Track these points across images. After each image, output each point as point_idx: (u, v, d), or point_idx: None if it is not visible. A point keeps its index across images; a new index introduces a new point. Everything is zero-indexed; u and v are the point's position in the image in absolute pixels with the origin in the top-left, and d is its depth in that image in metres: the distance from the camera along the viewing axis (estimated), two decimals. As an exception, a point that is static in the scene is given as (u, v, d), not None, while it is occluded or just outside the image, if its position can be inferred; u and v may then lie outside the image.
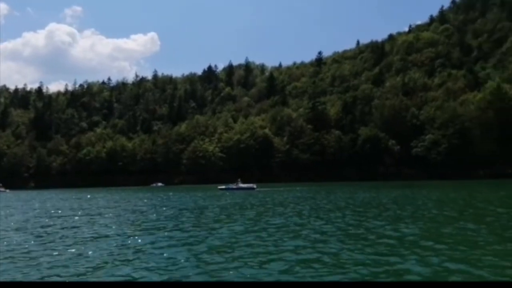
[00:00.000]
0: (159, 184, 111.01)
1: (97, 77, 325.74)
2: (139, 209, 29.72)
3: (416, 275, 8.87)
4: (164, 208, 29.33)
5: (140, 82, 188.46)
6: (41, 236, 16.24)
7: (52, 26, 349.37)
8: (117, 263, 10.84)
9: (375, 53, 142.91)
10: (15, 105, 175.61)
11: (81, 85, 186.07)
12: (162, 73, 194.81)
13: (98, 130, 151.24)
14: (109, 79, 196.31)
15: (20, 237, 16.01)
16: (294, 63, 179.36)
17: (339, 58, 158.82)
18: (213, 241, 13.89)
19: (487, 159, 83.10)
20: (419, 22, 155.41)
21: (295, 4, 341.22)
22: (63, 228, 18.74)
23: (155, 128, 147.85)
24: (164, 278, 9.33)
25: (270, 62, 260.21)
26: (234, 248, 12.45)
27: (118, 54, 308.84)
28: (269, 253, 11.50)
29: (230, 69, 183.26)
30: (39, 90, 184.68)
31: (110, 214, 25.83)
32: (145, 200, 41.10)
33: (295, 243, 12.96)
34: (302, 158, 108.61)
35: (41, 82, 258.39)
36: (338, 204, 28.29)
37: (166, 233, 16.03)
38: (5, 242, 14.65)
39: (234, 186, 63.02)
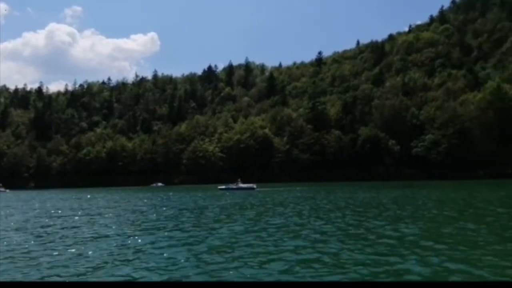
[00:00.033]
0: (159, 184, 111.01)
1: (97, 77, 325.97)
2: (139, 209, 29.72)
3: (416, 275, 8.87)
4: (164, 208, 29.33)
5: (140, 82, 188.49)
6: (41, 236, 16.24)
7: (52, 26, 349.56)
8: (117, 263, 10.84)
9: (375, 53, 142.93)
10: (15, 105, 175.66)
11: (81, 85, 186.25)
12: (162, 73, 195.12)
13: (98, 130, 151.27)
14: (109, 79, 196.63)
15: (20, 237, 16.01)
16: (294, 63, 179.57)
17: (339, 58, 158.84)
18: (213, 241, 13.89)
19: (487, 159, 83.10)
20: (419, 22, 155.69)
21: (295, 4, 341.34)
22: (63, 228, 18.74)
23: (155, 128, 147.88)
24: (164, 278, 9.33)
25: (270, 62, 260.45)
26: (234, 248, 12.45)
27: (118, 54, 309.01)
28: (269, 253, 11.50)
29: (230, 69, 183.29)
30: (39, 90, 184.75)
31: (110, 214, 25.84)
32: (145, 200, 41.11)
33: (295, 243, 12.96)
34: (302, 158, 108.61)
35: (41, 82, 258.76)
36: (338, 204, 28.30)
37: (166, 233, 16.03)
38: (5, 242, 14.65)
39: (234, 186, 63.02)
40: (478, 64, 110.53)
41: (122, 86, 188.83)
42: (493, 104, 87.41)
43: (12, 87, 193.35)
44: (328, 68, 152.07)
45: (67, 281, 9.16)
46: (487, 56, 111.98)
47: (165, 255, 11.66)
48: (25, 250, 12.99)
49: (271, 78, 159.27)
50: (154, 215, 24.64)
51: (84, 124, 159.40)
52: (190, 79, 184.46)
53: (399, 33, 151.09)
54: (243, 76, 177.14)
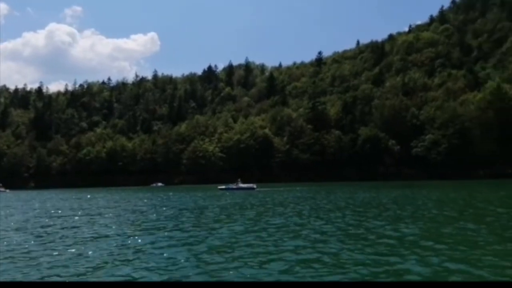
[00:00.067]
0: (159, 184, 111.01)
1: (97, 77, 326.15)
2: (139, 209, 29.72)
3: (416, 275, 8.88)
4: (164, 208, 29.34)
5: (140, 82, 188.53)
6: (41, 236, 16.24)
7: (52, 26, 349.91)
8: (117, 263, 10.84)
9: (375, 53, 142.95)
10: (15, 105, 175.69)
11: (81, 85, 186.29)
12: (162, 73, 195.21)
13: (98, 130, 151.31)
14: (109, 79, 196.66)
15: (20, 237, 16.01)
16: (294, 63, 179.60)
17: (339, 58, 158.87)
18: (213, 241, 13.89)
19: (487, 159, 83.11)
20: (419, 22, 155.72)
21: (295, 4, 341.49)
22: (63, 228, 18.74)
23: (155, 128, 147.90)
24: (164, 278, 9.33)
25: (270, 62, 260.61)
26: (234, 248, 12.46)
27: (118, 54, 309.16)
28: (269, 253, 11.50)
29: (230, 69, 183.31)
30: (39, 90, 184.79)
31: (110, 214, 25.84)
32: (145, 200, 41.11)
33: (295, 243, 12.96)
34: (302, 158, 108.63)
35: (41, 82, 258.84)
36: (338, 204, 28.30)
37: (166, 233, 16.04)
38: (5, 242, 14.65)
39: (234, 186, 63.03)
40: (478, 64, 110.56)
41: (122, 86, 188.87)
42: (493, 104, 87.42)
43: (12, 87, 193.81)
44: (328, 68, 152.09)
45: (67, 281, 9.16)
46: (487, 56, 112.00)
47: (165, 255, 11.66)
48: (25, 250, 13.00)
49: (271, 78, 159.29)
50: (154, 215, 24.65)
51: (84, 124, 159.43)
52: (190, 79, 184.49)
53: (399, 33, 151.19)
54: (243, 76, 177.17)
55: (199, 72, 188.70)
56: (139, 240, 14.45)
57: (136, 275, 9.59)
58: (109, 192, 71.06)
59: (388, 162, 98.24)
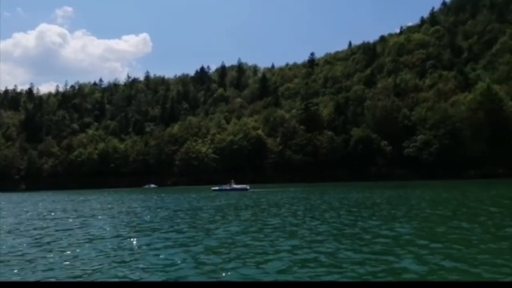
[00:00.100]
0: (152, 185, 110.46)
1: (89, 78, 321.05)
2: (133, 210, 29.57)
3: (413, 273, 8.95)
4: (159, 210, 29.20)
5: (132, 83, 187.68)
6: (36, 239, 16.09)
7: (43, 26, 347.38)
8: (114, 264, 10.79)
9: (366, 54, 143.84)
10: (5, 107, 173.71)
11: (72, 86, 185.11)
12: (154, 74, 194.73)
13: (90, 131, 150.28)
14: (100, 80, 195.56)
15: (14, 240, 15.83)
16: (287, 64, 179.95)
17: (331, 59, 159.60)
18: (210, 242, 13.88)
19: (477, 159, 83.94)
20: (410, 24, 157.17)
21: (287, 5, 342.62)
22: (57, 231, 18.57)
23: (148, 129, 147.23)
24: (162, 279, 9.31)
25: (263, 63, 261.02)
26: (231, 248, 12.46)
27: (109, 55, 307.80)
28: (266, 253, 11.53)
29: (222, 70, 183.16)
30: (30, 91, 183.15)
31: (104, 216, 25.66)
32: (139, 202, 40.88)
33: (292, 243, 13.00)
34: (295, 159, 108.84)
35: (31, 83, 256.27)
36: (332, 204, 28.41)
37: (162, 235, 15.99)
38: (-2, 245, 14.49)
39: (228, 187, 63.00)
40: (469, 65, 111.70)
41: (114, 87, 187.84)
42: (483, 105, 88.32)
43: (2, 88, 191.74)
44: (320, 69, 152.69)
45: (65, 281, 9.09)
46: (478, 58, 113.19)
47: (161, 256, 11.63)
48: (20, 253, 12.87)
49: (264, 79, 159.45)
50: (149, 216, 24.54)
51: (75, 126, 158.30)
52: (183, 80, 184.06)
53: (391, 35, 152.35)
54: (235, 77, 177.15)
55: (192, 73, 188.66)
56: (135, 242, 14.39)
57: (133, 276, 9.56)
58: (101, 194, 70.49)
59: (380, 163, 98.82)
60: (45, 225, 21.06)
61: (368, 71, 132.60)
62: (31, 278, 9.70)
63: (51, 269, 10.44)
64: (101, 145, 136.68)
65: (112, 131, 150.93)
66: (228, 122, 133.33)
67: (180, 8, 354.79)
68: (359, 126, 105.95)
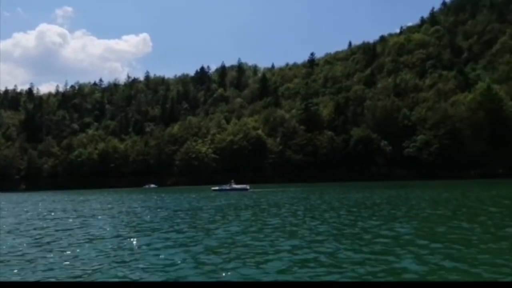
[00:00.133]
0: (152, 185, 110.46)
1: (89, 78, 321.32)
2: (133, 210, 29.55)
3: (413, 273, 8.94)
4: (159, 210, 29.19)
5: (132, 83, 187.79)
6: (36, 239, 16.08)
7: (43, 26, 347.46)
8: (114, 264, 10.78)
9: (366, 54, 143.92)
10: (5, 107, 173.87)
11: (72, 86, 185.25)
12: (154, 74, 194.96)
13: (90, 131, 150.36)
14: (100, 80, 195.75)
15: (14, 240, 15.82)
16: (287, 64, 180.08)
17: (331, 59, 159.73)
18: (210, 241, 13.87)
19: (477, 159, 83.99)
20: (410, 24, 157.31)
21: (287, 5, 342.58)
22: (57, 231, 18.55)
23: (148, 129, 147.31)
24: (162, 279, 9.30)
25: (263, 63, 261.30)
26: (231, 248, 12.45)
27: (109, 55, 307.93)
28: (266, 253, 11.51)
29: (222, 70, 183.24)
30: (30, 91, 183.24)
31: (104, 216, 25.65)
32: (139, 202, 40.86)
33: (292, 243, 12.98)
34: (295, 159, 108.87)
35: (31, 83, 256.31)
36: (332, 204, 28.39)
37: (162, 234, 15.97)
38: (-2, 245, 14.48)
39: (228, 187, 62.99)
40: (469, 65, 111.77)
41: (114, 87, 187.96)
42: (483, 105, 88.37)
43: (2, 88, 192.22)
44: (320, 69, 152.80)
45: (65, 281, 9.09)
46: (477, 57, 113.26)
47: (162, 256, 11.61)
48: (20, 253, 12.85)
49: (264, 79, 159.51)
50: (149, 216, 24.52)
51: (75, 126, 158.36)
52: (183, 80, 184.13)
53: (391, 35, 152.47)
54: (235, 77, 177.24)
55: (192, 73, 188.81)
56: (135, 242, 14.37)
57: (133, 276, 9.54)
58: (101, 194, 70.44)
59: (380, 163, 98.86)
60: (45, 225, 21.05)
61: (368, 71, 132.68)
62: (31, 278, 9.69)
63: (51, 269, 10.43)
64: (101, 145, 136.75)
65: (112, 131, 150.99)
66: (228, 122, 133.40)
67: (180, 8, 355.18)
68: (359, 126, 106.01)
